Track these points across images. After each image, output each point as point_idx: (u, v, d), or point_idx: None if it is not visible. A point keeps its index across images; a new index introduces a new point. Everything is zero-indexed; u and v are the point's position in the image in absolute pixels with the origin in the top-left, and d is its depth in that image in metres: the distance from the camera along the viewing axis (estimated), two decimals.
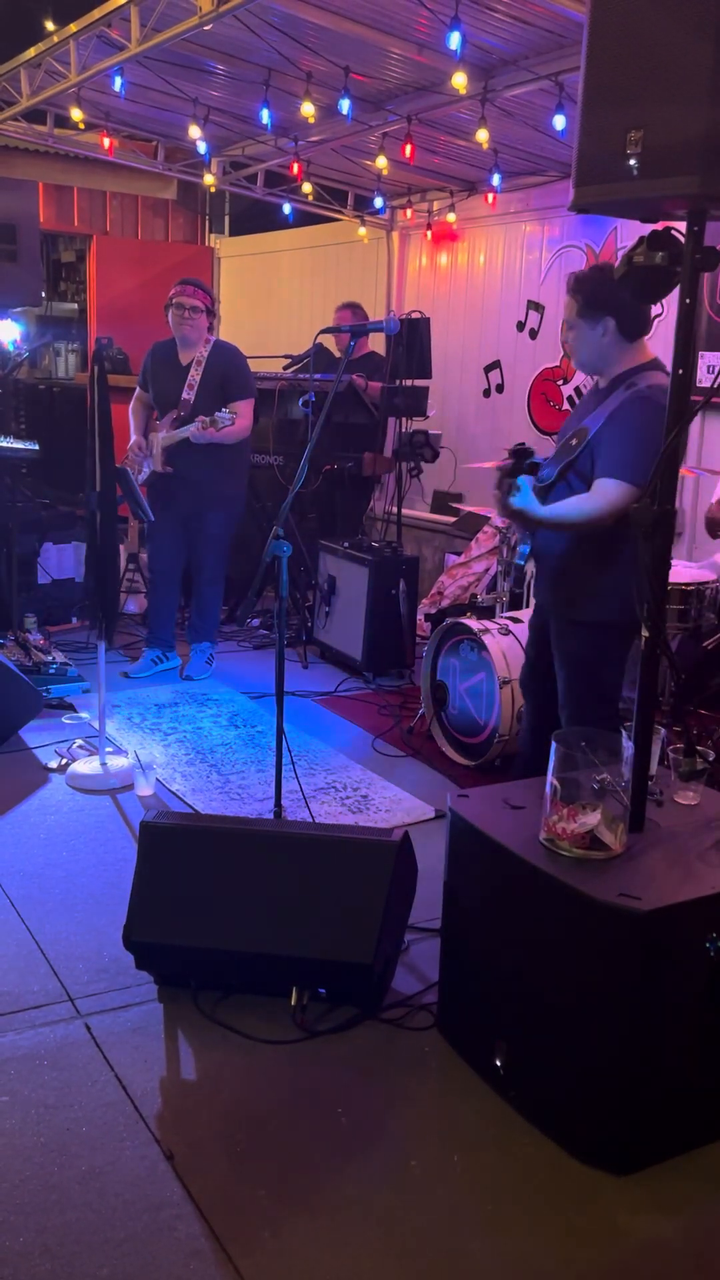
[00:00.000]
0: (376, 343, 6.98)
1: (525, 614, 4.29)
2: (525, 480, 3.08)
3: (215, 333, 5.43)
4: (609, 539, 3.10)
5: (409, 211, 7.59)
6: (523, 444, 3.17)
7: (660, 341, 6.02)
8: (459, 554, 6.43)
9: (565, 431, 3.31)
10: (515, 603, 4.89)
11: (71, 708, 5.00)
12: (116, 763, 4.27)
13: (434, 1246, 2.10)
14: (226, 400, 5.20)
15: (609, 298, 3.06)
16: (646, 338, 3.19)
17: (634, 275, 2.39)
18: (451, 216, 7.25)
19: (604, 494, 3.02)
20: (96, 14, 5.09)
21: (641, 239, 2.36)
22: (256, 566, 3.53)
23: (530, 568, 4.53)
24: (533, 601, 3.84)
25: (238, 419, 5.09)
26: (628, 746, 2.48)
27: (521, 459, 3.09)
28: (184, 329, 5.27)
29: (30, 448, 5.89)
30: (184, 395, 5.29)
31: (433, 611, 5.81)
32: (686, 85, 2.12)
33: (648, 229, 2.41)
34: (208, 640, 5.64)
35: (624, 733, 2.54)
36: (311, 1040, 2.69)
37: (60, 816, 3.90)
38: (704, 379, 5.36)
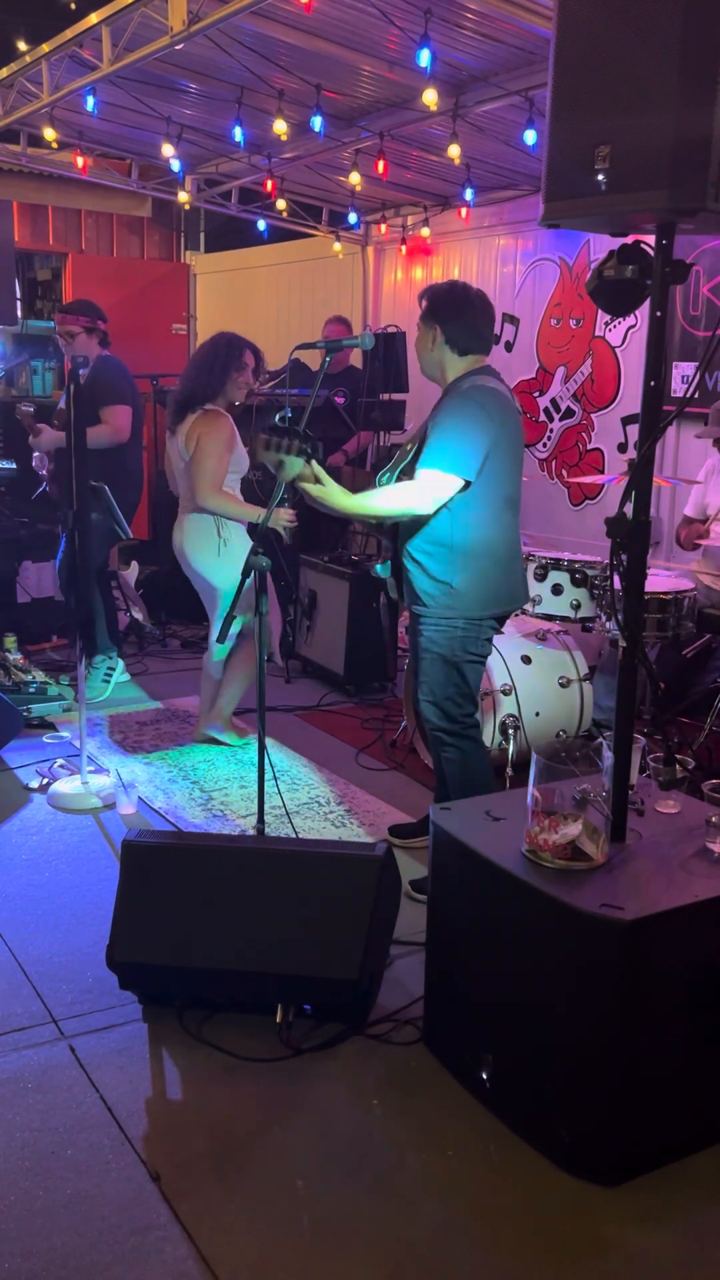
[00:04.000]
0: (356, 357, 7.01)
1: (508, 626, 4.29)
2: (297, 459, 3.04)
3: (106, 345, 5.45)
4: (452, 539, 3.20)
5: (383, 226, 7.62)
6: (285, 414, 3.21)
7: (634, 351, 6.05)
8: None
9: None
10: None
11: (53, 727, 4.99)
12: (98, 781, 4.25)
13: (422, 1262, 2.09)
14: (95, 409, 5.23)
15: (441, 310, 3.25)
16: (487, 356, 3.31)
17: (605, 289, 2.40)
18: (425, 231, 7.29)
19: (424, 481, 3.13)
20: (68, 34, 5.11)
21: (611, 253, 2.39)
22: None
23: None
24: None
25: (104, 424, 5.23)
26: (608, 756, 2.49)
27: (280, 432, 3.00)
28: (70, 354, 5.41)
29: (8, 467, 5.88)
30: (60, 405, 5.48)
31: None
32: (652, 100, 2.14)
33: (620, 242, 2.43)
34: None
35: (604, 742, 2.55)
36: (297, 1057, 2.68)
37: (42, 836, 3.88)
38: (678, 389, 5.40)
